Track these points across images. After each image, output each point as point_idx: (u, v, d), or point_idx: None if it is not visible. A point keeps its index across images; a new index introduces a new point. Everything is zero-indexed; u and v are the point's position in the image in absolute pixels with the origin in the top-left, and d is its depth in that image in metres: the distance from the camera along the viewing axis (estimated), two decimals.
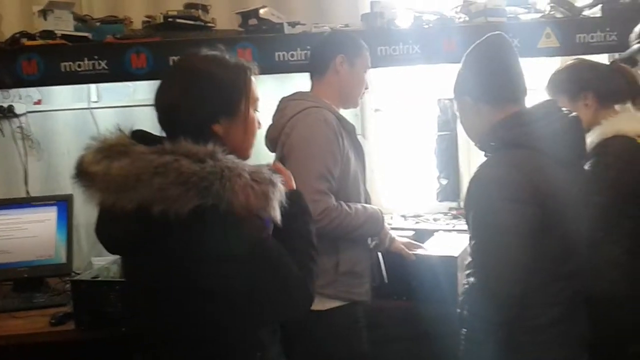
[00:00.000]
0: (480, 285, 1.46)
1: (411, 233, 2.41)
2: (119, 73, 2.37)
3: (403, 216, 2.83)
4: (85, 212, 2.83)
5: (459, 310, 1.54)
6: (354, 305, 1.98)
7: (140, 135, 1.28)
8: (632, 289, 1.84)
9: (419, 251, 2.17)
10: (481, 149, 1.60)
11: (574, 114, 1.58)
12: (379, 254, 2.15)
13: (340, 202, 1.88)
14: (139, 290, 1.35)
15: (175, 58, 2.37)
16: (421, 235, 2.38)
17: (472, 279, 1.49)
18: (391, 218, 2.77)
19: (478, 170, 1.50)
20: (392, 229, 2.23)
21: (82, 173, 1.23)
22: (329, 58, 2.02)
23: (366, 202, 2.04)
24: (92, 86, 2.79)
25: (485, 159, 1.56)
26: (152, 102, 2.97)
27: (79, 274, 2.41)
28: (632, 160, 1.84)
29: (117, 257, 2.34)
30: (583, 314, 1.58)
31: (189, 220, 1.14)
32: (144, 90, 2.83)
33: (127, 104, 2.83)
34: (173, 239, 1.19)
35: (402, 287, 2.19)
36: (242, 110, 1.32)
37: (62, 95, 2.82)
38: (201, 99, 1.27)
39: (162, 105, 1.30)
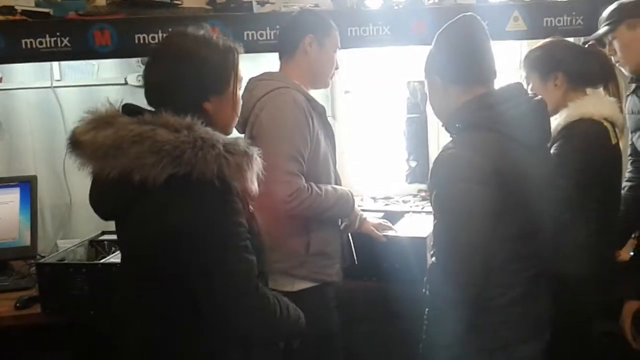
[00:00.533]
0: (441, 265, 1.48)
1: (381, 215, 2.42)
2: (83, 51, 2.31)
3: (373, 198, 2.85)
4: (50, 194, 2.79)
5: (424, 290, 1.56)
6: (324, 286, 1.99)
7: (128, 108, 1.34)
8: (599, 270, 1.89)
9: (388, 233, 2.19)
10: (447, 130, 1.60)
11: (539, 97, 1.59)
12: (349, 235, 2.16)
13: (310, 183, 1.88)
14: (125, 256, 1.44)
15: (141, 36, 2.33)
16: (391, 217, 2.40)
17: (433, 259, 1.51)
18: (361, 200, 2.78)
19: (442, 151, 1.51)
20: (362, 210, 2.24)
21: (74, 142, 1.31)
22: (298, 38, 1.99)
23: (336, 184, 2.04)
24: (55, 64, 2.71)
25: (450, 139, 1.57)
26: (117, 81, 2.94)
27: (44, 257, 2.36)
28: (597, 143, 1.87)
29: (83, 239, 2.35)
30: (544, 294, 1.61)
31: (164, 188, 1.20)
32: (109, 69, 2.78)
33: (91, 83, 2.77)
34: (150, 206, 1.25)
35: (372, 268, 2.20)
36: (230, 90, 1.39)
37: (24, 74, 2.74)
38: (193, 79, 1.33)
39: (153, 83, 1.35)
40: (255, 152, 1.28)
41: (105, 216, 1.44)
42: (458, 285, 1.45)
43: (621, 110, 1.97)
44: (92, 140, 1.26)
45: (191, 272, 1.26)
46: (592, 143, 1.85)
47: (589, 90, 1.96)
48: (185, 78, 1.32)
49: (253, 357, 1.40)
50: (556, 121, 1.89)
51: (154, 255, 1.29)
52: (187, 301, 1.28)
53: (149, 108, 1.35)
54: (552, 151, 1.86)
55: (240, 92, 1.44)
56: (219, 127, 1.34)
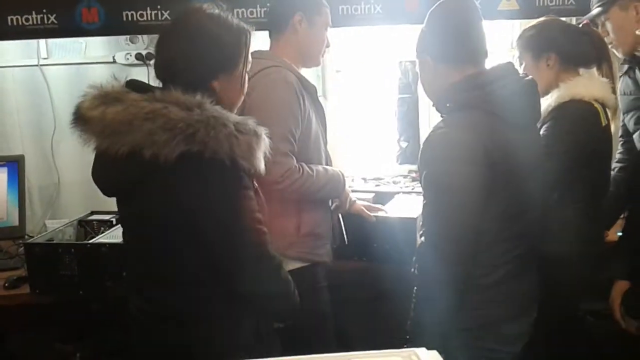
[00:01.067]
0: (430, 244, 1.49)
1: (371, 195, 2.42)
2: (70, 28, 2.28)
3: (364, 179, 2.84)
4: (38, 174, 2.77)
5: (412, 269, 1.57)
6: (315, 266, 1.99)
7: (134, 85, 1.34)
8: (586, 249, 1.90)
9: (379, 213, 2.19)
10: (437, 109, 1.60)
11: (529, 77, 1.58)
12: (340, 216, 2.16)
13: (301, 163, 1.87)
14: (132, 234, 1.43)
15: (129, 13, 2.29)
16: (381, 198, 2.40)
17: (422, 238, 1.52)
18: (352, 180, 2.78)
19: (432, 130, 1.51)
20: (353, 191, 2.24)
21: (80, 118, 1.30)
22: (288, 16, 1.96)
23: (327, 164, 2.04)
24: (42, 42, 2.66)
25: (440, 119, 1.57)
26: (105, 59, 2.90)
27: (32, 237, 2.35)
28: (587, 124, 1.87)
29: (72, 219, 2.33)
30: (531, 273, 1.63)
31: (176, 165, 1.21)
32: (96, 47, 2.74)
33: (79, 61, 2.73)
34: (161, 182, 1.26)
35: (363, 248, 2.21)
36: (239, 70, 1.40)
37: (9, 51, 2.69)
38: (203, 56, 1.33)
39: (164, 57, 1.35)
40: (263, 131, 1.31)
41: (110, 192, 1.44)
42: (447, 265, 1.46)
43: (613, 92, 1.96)
44: (101, 117, 1.26)
45: (209, 242, 1.29)
46: (582, 124, 1.85)
47: (581, 71, 1.95)
48: (197, 55, 1.33)
49: (261, 328, 1.44)
50: (547, 102, 1.88)
51: (167, 229, 1.31)
52: (206, 270, 1.33)
53: (152, 84, 1.36)
54: (542, 132, 1.86)
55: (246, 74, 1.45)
56: (224, 106, 1.34)
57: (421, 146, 1.54)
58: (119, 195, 1.42)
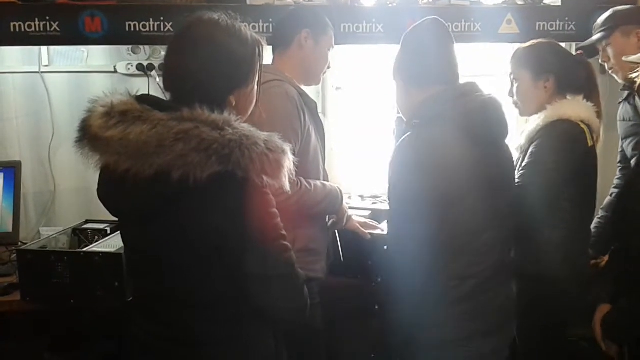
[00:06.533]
0: (390, 254, 1.52)
1: (368, 213, 2.42)
2: (72, 36, 2.28)
3: (361, 196, 2.83)
4: (34, 181, 2.76)
5: (377, 278, 1.58)
6: (309, 282, 1.94)
7: (149, 101, 1.29)
8: (571, 271, 1.90)
9: (375, 232, 2.18)
10: (407, 127, 1.64)
11: (491, 94, 1.61)
12: (336, 232, 2.16)
13: (300, 178, 1.87)
14: (145, 255, 1.36)
15: (132, 23, 2.30)
16: (378, 216, 2.39)
17: (385, 247, 1.53)
18: (349, 198, 2.78)
19: (397, 143, 1.57)
20: (350, 208, 2.23)
21: (93, 137, 1.24)
22: (294, 32, 1.98)
23: (324, 181, 2.03)
24: (44, 49, 2.67)
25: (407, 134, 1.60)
26: (106, 69, 2.90)
27: (25, 244, 2.33)
28: (573, 143, 1.89)
29: (66, 228, 2.32)
30: (504, 288, 1.63)
31: (207, 185, 1.18)
32: (98, 57, 2.74)
33: (80, 70, 2.73)
34: (190, 203, 1.22)
35: (358, 265, 2.20)
36: (252, 83, 1.39)
37: (11, 58, 2.70)
38: (222, 72, 1.31)
39: (182, 71, 1.30)
40: (288, 148, 1.29)
41: (124, 213, 1.37)
42: (408, 274, 1.48)
43: (599, 117, 1.98)
44: (122, 136, 1.20)
45: (238, 262, 1.26)
46: (568, 143, 1.88)
47: (569, 96, 1.98)
48: (217, 69, 1.30)
49: (279, 347, 1.43)
50: (536, 122, 1.93)
51: (193, 250, 1.27)
52: (230, 290, 1.30)
53: (162, 97, 1.33)
54: (530, 150, 1.90)
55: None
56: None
57: None
58: (133, 216, 1.34)
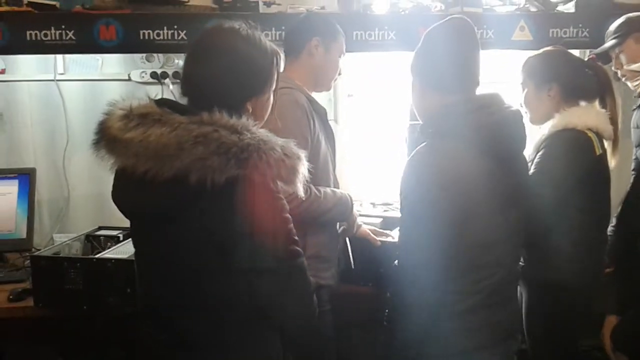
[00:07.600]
0: (401, 268, 1.48)
1: (379, 220, 2.41)
2: (87, 44, 2.31)
3: (372, 203, 2.83)
4: (48, 188, 2.79)
5: (387, 294, 1.56)
6: (319, 289, 1.97)
7: (168, 104, 1.30)
8: (582, 280, 1.88)
9: (386, 239, 2.17)
10: (421, 133, 1.58)
11: (514, 108, 1.56)
12: (347, 239, 2.15)
13: (309, 185, 1.87)
14: (156, 258, 1.35)
15: (147, 32, 2.32)
16: (389, 223, 2.38)
17: (396, 261, 1.51)
18: (360, 205, 2.77)
19: (411, 155, 1.51)
20: (361, 215, 2.23)
21: (112, 139, 1.24)
22: (305, 40, 1.99)
23: (334, 188, 2.03)
24: (59, 57, 2.70)
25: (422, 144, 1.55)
26: (120, 77, 2.93)
27: (39, 250, 2.35)
28: (578, 152, 1.87)
29: (79, 234, 2.34)
30: (507, 304, 1.59)
31: (224, 188, 1.18)
32: (112, 65, 2.78)
33: (94, 78, 2.76)
34: (206, 205, 1.23)
35: (369, 273, 2.19)
36: (269, 92, 1.41)
37: (27, 66, 2.74)
38: (241, 80, 1.33)
39: (199, 79, 1.32)
40: (304, 154, 1.30)
41: (138, 216, 1.37)
42: (418, 289, 1.45)
43: (612, 123, 1.96)
44: (142, 138, 1.20)
45: (252, 267, 1.27)
46: (573, 152, 1.86)
47: (582, 103, 1.96)
48: (236, 77, 1.32)
49: (287, 353, 1.43)
50: (542, 131, 1.90)
51: (208, 254, 1.27)
52: (242, 295, 1.29)
53: (181, 103, 1.34)
54: (535, 159, 1.87)
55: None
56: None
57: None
58: (148, 218, 1.33)
